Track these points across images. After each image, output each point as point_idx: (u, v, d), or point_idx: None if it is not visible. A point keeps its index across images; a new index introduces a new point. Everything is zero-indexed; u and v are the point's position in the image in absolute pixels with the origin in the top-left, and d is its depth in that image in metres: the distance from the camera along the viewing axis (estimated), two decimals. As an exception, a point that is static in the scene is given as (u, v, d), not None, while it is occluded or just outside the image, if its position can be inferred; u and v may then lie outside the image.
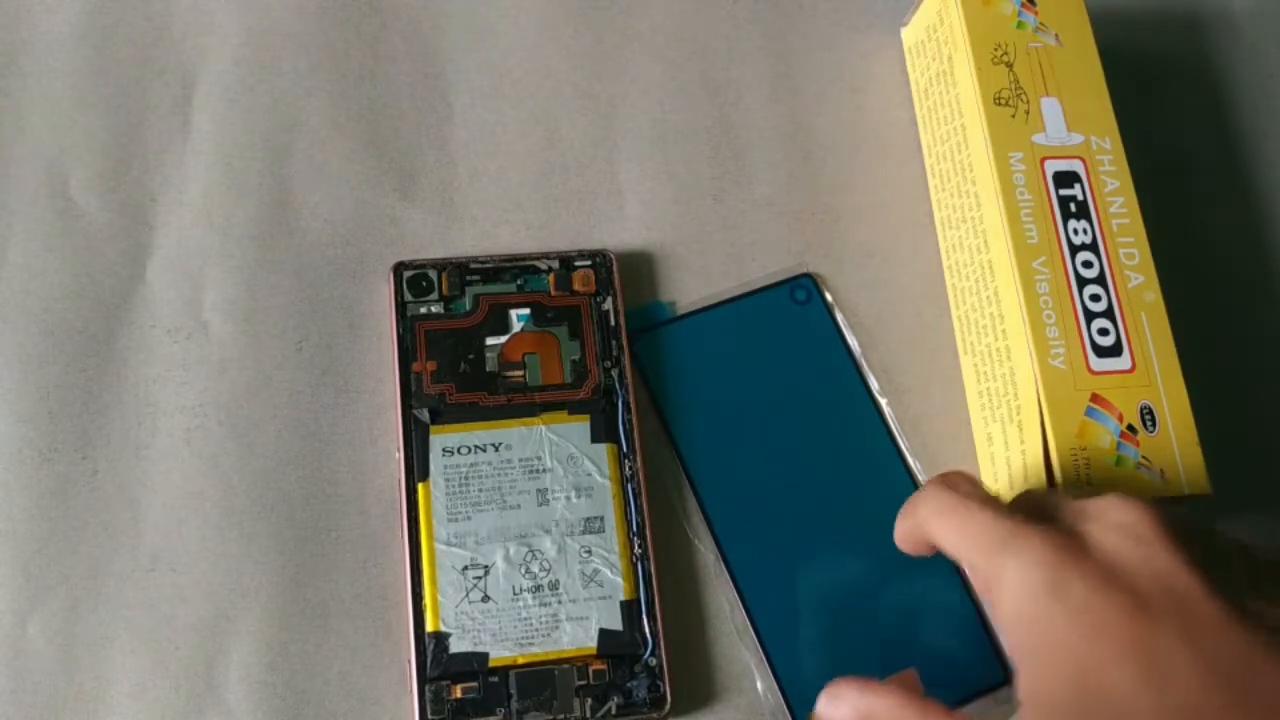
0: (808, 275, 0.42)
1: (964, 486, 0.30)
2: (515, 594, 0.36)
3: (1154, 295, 0.39)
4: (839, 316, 0.42)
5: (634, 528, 0.38)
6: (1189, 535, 0.27)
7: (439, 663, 0.35)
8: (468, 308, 0.40)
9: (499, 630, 0.36)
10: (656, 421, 0.40)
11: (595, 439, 0.39)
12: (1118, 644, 0.25)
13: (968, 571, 0.29)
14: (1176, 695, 0.24)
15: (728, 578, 0.38)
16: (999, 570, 0.27)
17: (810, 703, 0.34)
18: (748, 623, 0.37)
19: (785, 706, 0.36)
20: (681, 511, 0.39)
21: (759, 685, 0.37)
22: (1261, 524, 0.42)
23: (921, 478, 0.40)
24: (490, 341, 0.39)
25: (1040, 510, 0.29)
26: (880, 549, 0.38)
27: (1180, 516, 0.28)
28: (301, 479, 0.38)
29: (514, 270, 0.40)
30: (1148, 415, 0.37)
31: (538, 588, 0.37)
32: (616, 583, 0.37)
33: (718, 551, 0.38)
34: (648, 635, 0.36)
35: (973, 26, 0.42)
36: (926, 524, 0.30)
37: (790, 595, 0.38)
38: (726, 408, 0.40)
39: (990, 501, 0.29)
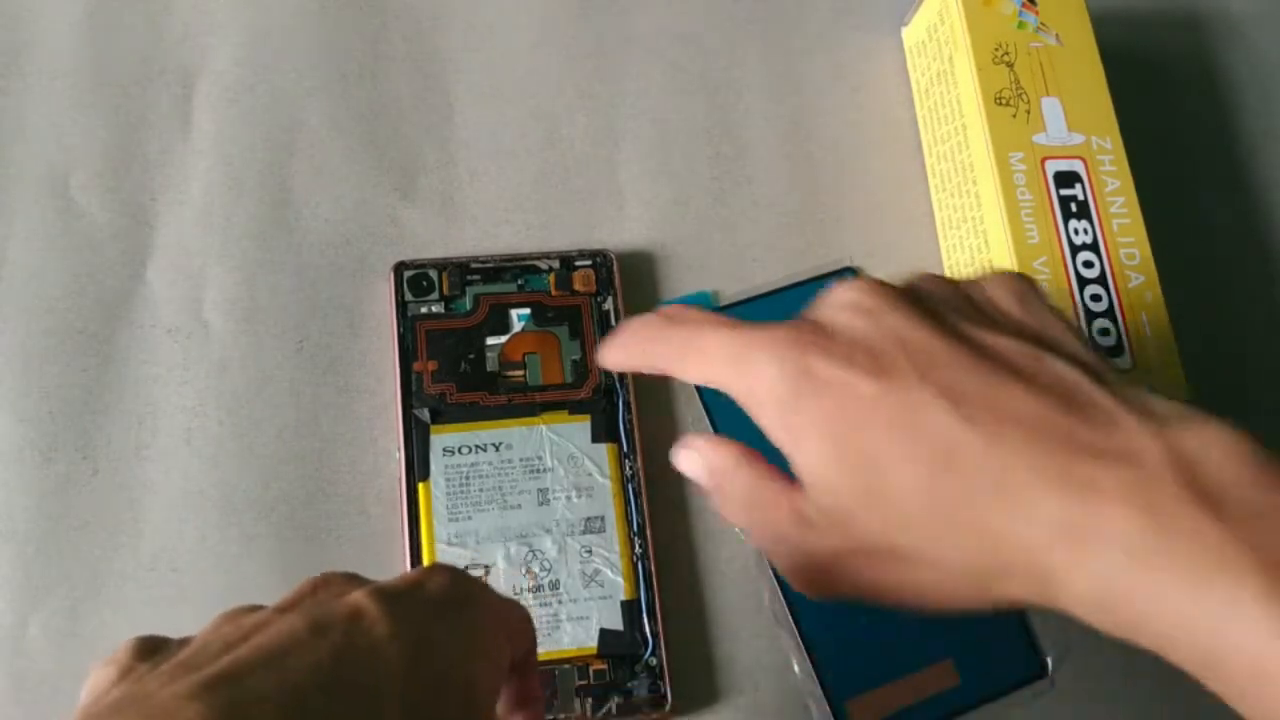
0: (850, 268, 0.42)
1: (690, 314, 0.31)
2: (516, 594, 0.36)
3: (1154, 295, 0.39)
4: None
5: (635, 527, 0.38)
6: (912, 293, 0.28)
7: (439, 662, 0.35)
8: (468, 307, 0.40)
9: (499, 630, 0.36)
10: (700, 408, 0.39)
11: (596, 439, 0.39)
12: (868, 408, 0.26)
13: (727, 392, 0.29)
14: (930, 439, 0.26)
15: (768, 566, 0.37)
16: (749, 375, 0.28)
17: (847, 690, 0.36)
18: (786, 610, 0.37)
19: (823, 695, 0.36)
20: None
21: (796, 670, 0.37)
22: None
23: None
24: (491, 341, 0.39)
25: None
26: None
27: (901, 278, 0.29)
28: (301, 479, 0.38)
29: (514, 270, 0.40)
30: (1148, 415, 0.37)
31: (538, 587, 0.37)
32: (617, 582, 0.37)
33: None
34: (648, 635, 0.36)
35: (973, 26, 0.42)
36: (662, 360, 0.31)
37: None
38: None
39: (718, 318, 0.30)
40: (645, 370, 0.31)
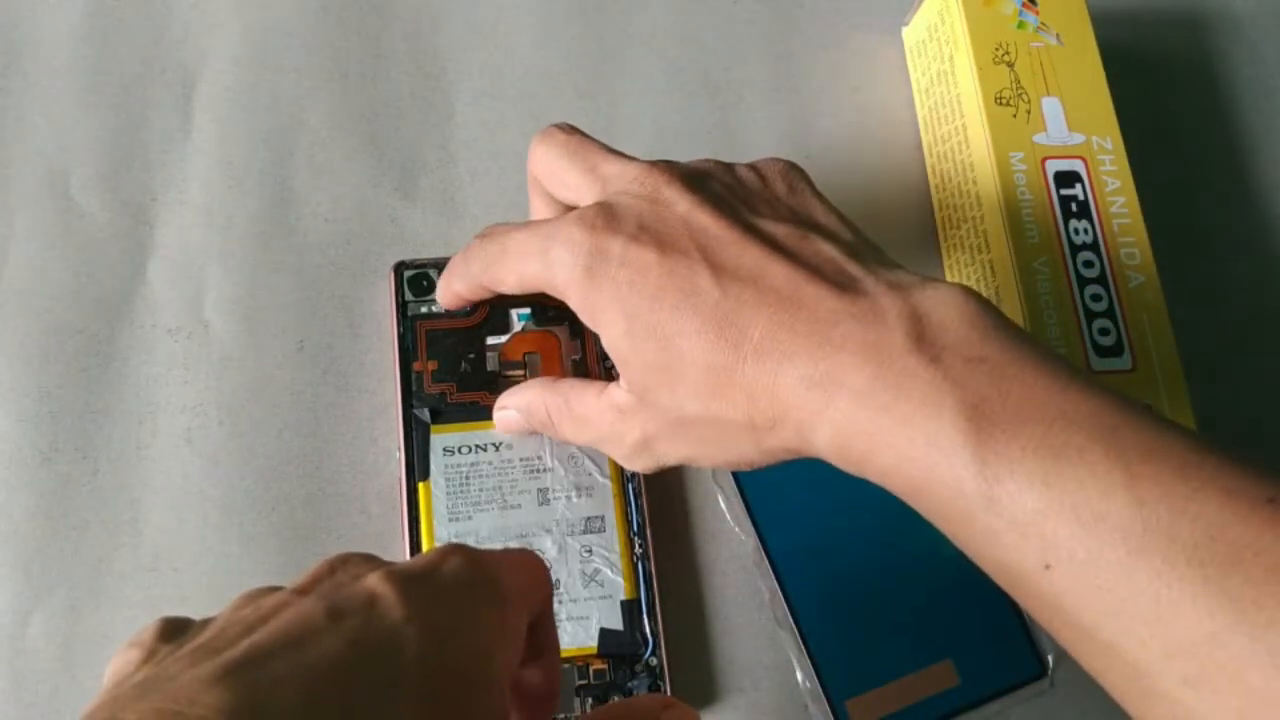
0: None
1: (497, 227, 0.35)
2: (516, 594, 0.36)
3: (1155, 295, 0.39)
4: None
5: (635, 527, 0.38)
6: (694, 177, 0.32)
7: (439, 662, 0.35)
8: (468, 307, 0.40)
9: (499, 630, 0.36)
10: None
11: (596, 439, 0.39)
12: (654, 282, 0.30)
13: (545, 290, 0.33)
14: (705, 310, 0.29)
15: (769, 567, 0.38)
16: (552, 265, 0.31)
17: (847, 690, 0.36)
18: (787, 612, 0.37)
19: (823, 695, 0.36)
20: (722, 500, 0.39)
21: (798, 674, 0.37)
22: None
23: None
24: (491, 341, 0.39)
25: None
26: (918, 539, 0.39)
27: (692, 164, 0.33)
28: (302, 479, 0.38)
29: (514, 270, 0.40)
30: (1148, 415, 0.37)
31: (538, 587, 0.37)
32: (617, 582, 0.37)
33: (759, 540, 0.38)
34: (648, 635, 0.36)
35: (974, 26, 0.42)
36: (485, 275, 0.35)
37: (829, 585, 0.38)
38: None
39: (520, 224, 0.34)
40: (478, 295, 0.36)
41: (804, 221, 0.31)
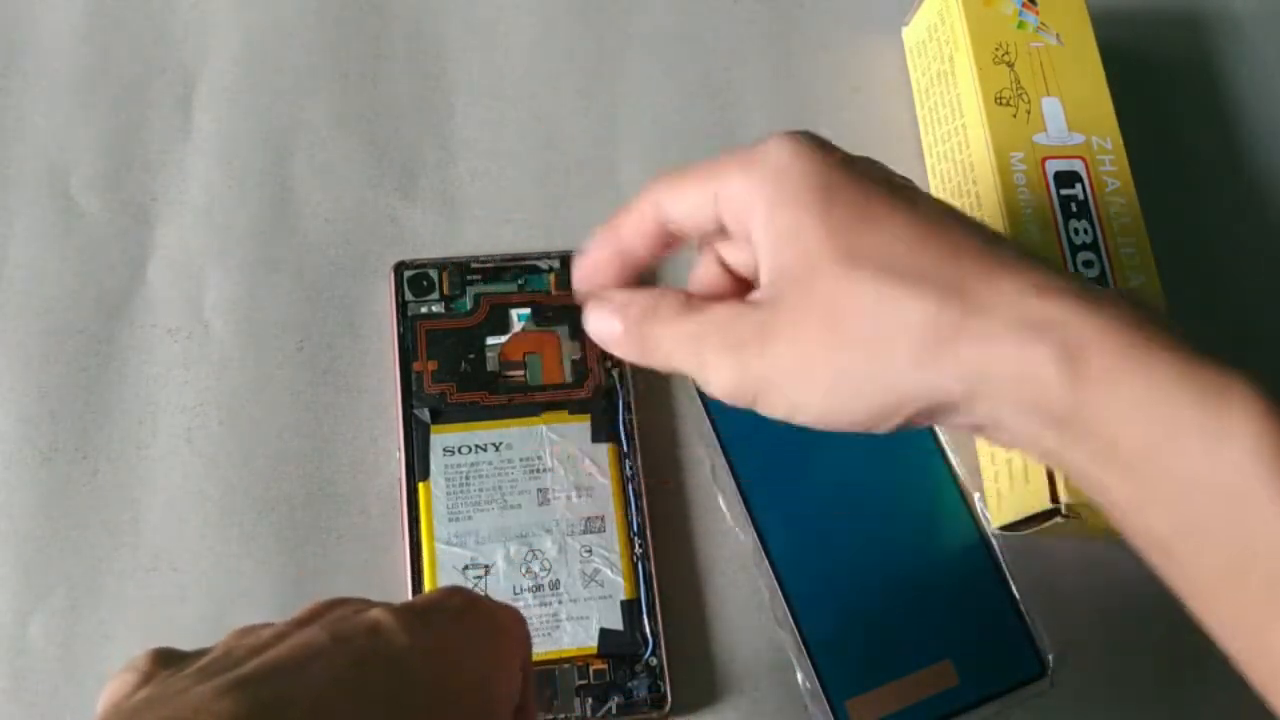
0: None
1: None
2: (516, 593, 0.36)
3: (1155, 295, 0.39)
4: None
5: (635, 527, 0.38)
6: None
7: (439, 662, 0.35)
8: (468, 307, 0.40)
9: (499, 630, 0.36)
10: (700, 410, 0.39)
11: (596, 439, 0.39)
12: (868, 178, 0.27)
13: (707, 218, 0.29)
14: (918, 209, 0.27)
15: (768, 567, 0.37)
16: (755, 155, 0.27)
17: (847, 690, 0.36)
18: (788, 613, 0.37)
19: (823, 695, 0.36)
20: (722, 500, 0.39)
21: (798, 674, 0.37)
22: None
23: (954, 460, 0.40)
24: (491, 341, 0.39)
25: None
26: (919, 538, 0.39)
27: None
28: (301, 479, 0.38)
29: (515, 269, 0.40)
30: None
31: (538, 587, 0.37)
32: (617, 582, 0.37)
33: (758, 540, 0.38)
34: (648, 635, 0.36)
35: (974, 26, 0.42)
36: (663, 202, 0.29)
37: (829, 585, 0.38)
38: None
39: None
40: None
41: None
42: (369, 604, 0.25)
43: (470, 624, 0.25)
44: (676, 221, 0.29)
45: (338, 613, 0.24)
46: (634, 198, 0.30)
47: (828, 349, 0.26)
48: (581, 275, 0.31)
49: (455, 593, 0.26)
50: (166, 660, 0.23)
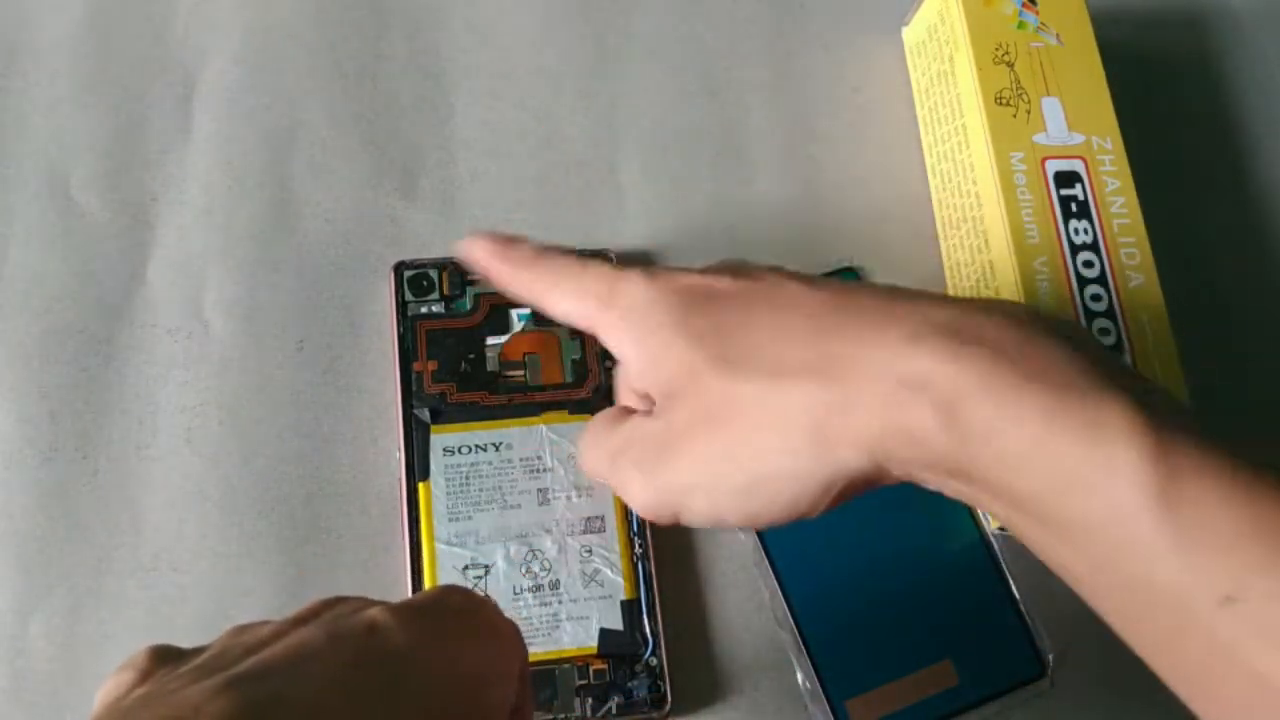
0: (850, 268, 0.42)
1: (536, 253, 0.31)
2: (516, 593, 0.36)
3: (1154, 295, 0.39)
4: None
5: (635, 527, 0.38)
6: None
7: (439, 662, 0.35)
8: (468, 307, 0.40)
9: (499, 630, 0.36)
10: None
11: (596, 439, 0.39)
12: (720, 290, 0.28)
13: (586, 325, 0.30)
14: (778, 305, 0.27)
15: (768, 567, 0.37)
16: (613, 298, 0.29)
17: (847, 690, 0.36)
18: (788, 613, 0.37)
19: (823, 695, 0.36)
20: None
21: (798, 675, 0.37)
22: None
23: None
24: (491, 341, 0.39)
25: None
26: (918, 539, 0.39)
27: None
28: (302, 479, 0.38)
29: (514, 270, 0.40)
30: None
31: (538, 587, 0.37)
32: (617, 582, 0.37)
33: (758, 541, 0.38)
34: (648, 635, 0.36)
35: (974, 26, 0.42)
36: (544, 300, 0.31)
37: (829, 585, 0.38)
38: None
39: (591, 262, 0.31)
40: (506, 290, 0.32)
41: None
42: (367, 603, 0.25)
43: (467, 623, 0.25)
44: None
45: (335, 611, 0.24)
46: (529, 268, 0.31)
47: (727, 456, 0.26)
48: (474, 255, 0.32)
49: (453, 591, 0.26)
50: (164, 658, 0.23)
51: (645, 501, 0.28)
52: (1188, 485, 0.21)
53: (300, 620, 0.24)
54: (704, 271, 0.29)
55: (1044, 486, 0.23)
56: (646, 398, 0.29)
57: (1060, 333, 0.24)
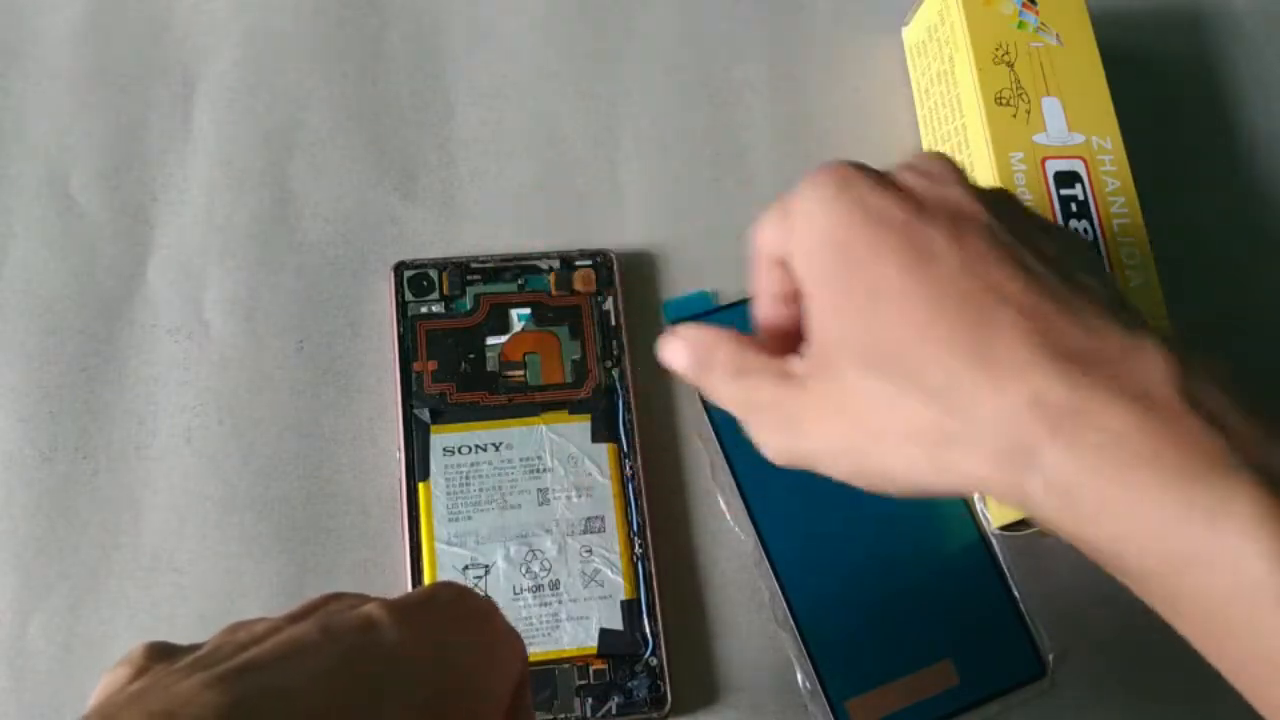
0: None
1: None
2: (516, 593, 0.36)
3: (1154, 295, 0.39)
4: None
5: (635, 527, 0.38)
6: (991, 193, 0.28)
7: (439, 662, 0.35)
8: (468, 307, 0.40)
9: (499, 630, 0.36)
10: (700, 410, 0.39)
11: (596, 439, 0.39)
12: (891, 233, 0.26)
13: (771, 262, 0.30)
14: (935, 281, 0.25)
15: (768, 567, 0.37)
16: (792, 203, 0.29)
17: (847, 690, 0.36)
18: (788, 613, 0.37)
19: (824, 695, 0.36)
20: (722, 500, 0.39)
21: (798, 675, 0.37)
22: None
23: None
24: (491, 341, 0.39)
25: None
26: (917, 539, 0.39)
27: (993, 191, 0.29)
28: (301, 479, 0.38)
29: (515, 270, 0.40)
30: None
31: (538, 587, 0.37)
32: (617, 582, 0.37)
33: (758, 540, 0.38)
34: (648, 635, 0.36)
35: (974, 26, 0.42)
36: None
37: (829, 585, 0.38)
38: None
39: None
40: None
41: (1071, 251, 0.28)
42: (363, 599, 0.25)
43: (461, 617, 0.25)
44: (777, 254, 0.30)
45: (331, 607, 0.24)
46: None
47: (855, 448, 0.27)
48: (754, 322, 0.32)
49: (446, 586, 0.26)
50: (160, 654, 0.23)
51: (779, 460, 0.29)
52: None
53: (296, 617, 0.24)
54: (885, 197, 0.27)
55: (1158, 565, 0.23)
56: (794, 314, 0.30)
57: (1195, 397, 0.23)
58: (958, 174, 0.28)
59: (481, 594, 0.27)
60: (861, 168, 0.28)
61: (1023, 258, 0.26)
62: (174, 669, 0.22)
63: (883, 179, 0.28)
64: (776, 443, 0.29)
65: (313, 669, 0.21)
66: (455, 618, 0.24)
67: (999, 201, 0.28)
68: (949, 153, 0.31)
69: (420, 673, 0.22)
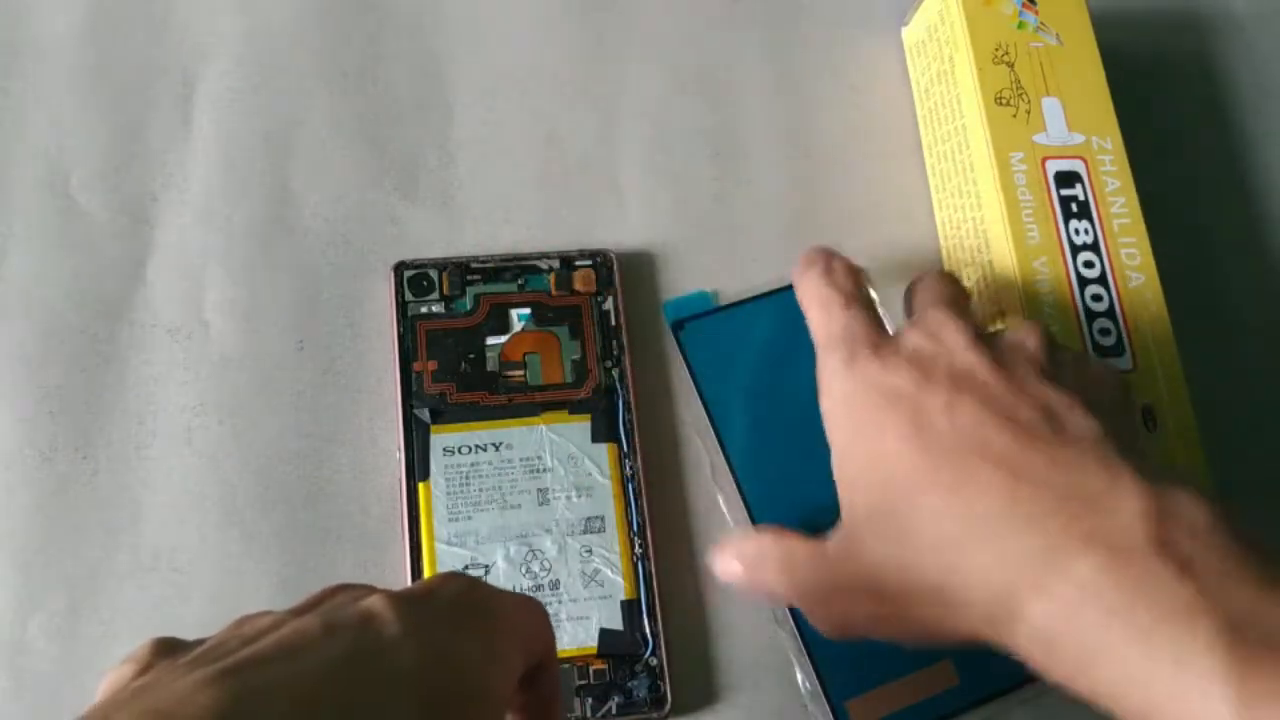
0: None
1: (841, 279, 0.34)
2: (516, 594, 0.36)
3: (1155, 295, 0.39)
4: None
5: (635, 527, 0.38)
6: (1002, 341, 0.31)
7: (439, 662, 0.35)
8: (468, 307, 0.40)
9: (499, 630, 0.36)
10: (700, 410, 0.39)
11: (596, 439, 0.39)
12: (893, 410, 0.29)
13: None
14: (927, 448, 0.28)
15: None
16: (821, 362, 0.32)
17: (847, 690, 0.36)
18: (787, 613, 0.37)
19: (824, 695, 0.36)
20: (722, 500, 0.39)
21: (798, 675, 0.37)
22: (1262, 523, 0.42)
23: None
24: (491, 341, 0.39)
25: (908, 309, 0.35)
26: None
27: (1001, 334, 0.32)
28: (301, 479, 0.38)
29: (515, 270, 0.40)
30: (1149, 415, 0.37)
31: (538, 587, 0.37)
32: (617, 582, 0.37)
33: None
34: (648, 635, 0.36)
35: (974, 26, 0.42)
36: (803, 303, 0.35)
37: None
38: (768, 395, 0.39)
39: (855, 300, 0.33)
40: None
41: (1072, 387, 0.30)
42: (368, 590, 0.25)
43: (466, 614, 0.25)
44: None
45: (337, 600, 0.24)
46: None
47: (888, 614, 0.29)
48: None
49: (450, 578, 0.26)
50: (165, 650, 0.23)
51: (831, 635, 0.31)
52: (1265, 710, 0.21)
53: (301, 610, 0.24)
54: (907, 340, 0.31)
55: (1138, 711, 0.24)
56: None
57: (1166, 541, 0.24)
58: (963, 329, 0.30)
59: (488, 583, 0.26)
60: (867, 330, 0.31)
61: (1015, 412, 0.28)
62: (175, 665, 0.22)
63: (887, 348, 0.30)
64: (830, 621, 0.30)
65: (312, 664, 0.21)
66: (457, 613, 0.24)
67: (1009, 350, 0.30)
68: (956, 286, 0.35)
69: (418, 666, 0.22)
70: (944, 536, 0.27)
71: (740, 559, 0.32)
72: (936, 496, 0.27)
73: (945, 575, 0.27)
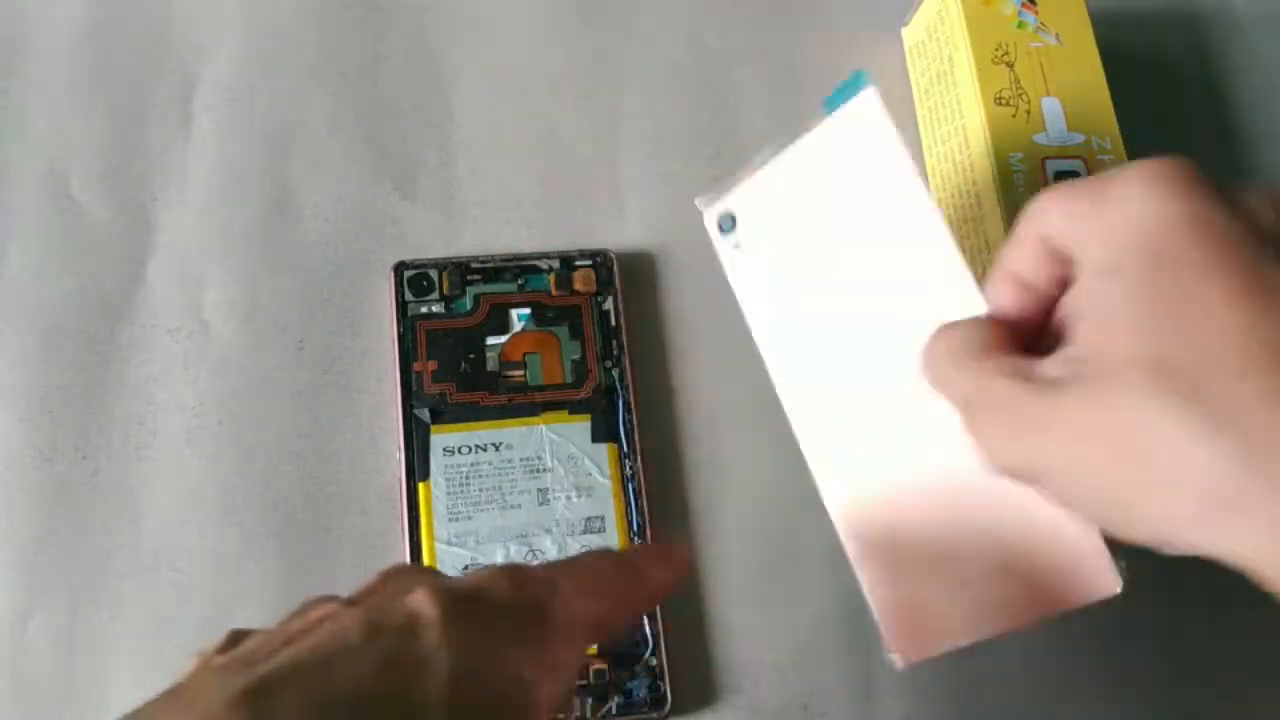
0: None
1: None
2: (516, 594, 0.36)
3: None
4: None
5: (635, 528, 0.38)
6: None
7: (439, 662, 0.35)
8: (468, 307, 0.40)
9: (499, 630, 0.36)
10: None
11: (596, 439, 0.39)
12: (1226, 256, 0.24)
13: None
14: (1264, 319, 0.22)
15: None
16: (1110, 187, 0.26)
17: None
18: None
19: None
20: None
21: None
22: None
23: None
24: (491, 341, 0.39)
25: None
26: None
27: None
28: (301, 479, 0.38)
29: (515, 270, 0.40)
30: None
31: (538, 587, 0.37)
32: (617, 582, 0.37)
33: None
34: (648, 635, 0.36)
35: (973, 26, 0.42)
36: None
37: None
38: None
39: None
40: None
41: None
42: (420, 578, 0.24)
43: (514, 617, 0.23)
44: (1056, 238, 0.26)
45: (389, 590, 0.24)
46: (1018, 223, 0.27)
47: (1105, 473, 0.23)
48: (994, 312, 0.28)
49: (505, 574, 0.24)
50: (228, 643, 0.23)
51: (1003, 465, 0.25)
52: None
53: (357, 598, 0.23)
54: (1220, 210, 0.25)
55: None
56: (1037, 298, 0.26)
57: None
58: None
59: (542, 575, 0.25)
60: (1205, 174, 0.25)
61: None
62: (218, 666, 0.22)
63: (1226, 193, 0.25)
64: (1010, 451, 0.25)
65: (345, 677, 0.21)
66: (506, 617, 0.23)
67: None
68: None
69: (456, 680, 0.21)
70: (1263, 432, 0.21)
71: (932, 342, 0.27)
72: (1267, 381, 0.22)
73: (1247, 476, 0.21)
